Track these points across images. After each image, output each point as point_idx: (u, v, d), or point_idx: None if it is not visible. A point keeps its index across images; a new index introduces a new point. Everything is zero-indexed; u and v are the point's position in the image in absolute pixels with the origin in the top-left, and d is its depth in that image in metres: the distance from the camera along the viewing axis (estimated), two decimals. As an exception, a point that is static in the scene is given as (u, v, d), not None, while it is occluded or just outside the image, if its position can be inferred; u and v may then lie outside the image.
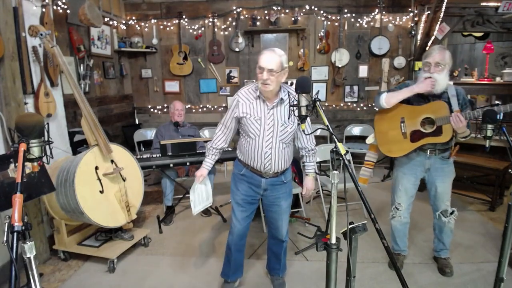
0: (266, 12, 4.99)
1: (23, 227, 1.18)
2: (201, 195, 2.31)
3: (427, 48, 4.50)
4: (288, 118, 1.97)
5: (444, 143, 2.27)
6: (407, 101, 2.35)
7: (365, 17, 4.97)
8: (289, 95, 1.98)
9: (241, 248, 2.30)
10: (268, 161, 2.01)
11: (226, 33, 5.13)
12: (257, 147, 1.99)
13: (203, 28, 5.12)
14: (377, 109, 2.47)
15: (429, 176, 2.42)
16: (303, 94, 1.53)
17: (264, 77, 1.84)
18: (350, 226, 1.46)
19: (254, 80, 5.21)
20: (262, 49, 5.12)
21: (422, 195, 3.13)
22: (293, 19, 4.95)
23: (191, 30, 5.11)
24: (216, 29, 5.06)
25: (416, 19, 4.86)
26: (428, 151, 2.33)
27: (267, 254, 2.45)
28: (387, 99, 2.32)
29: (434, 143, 2.27)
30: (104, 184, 2.64)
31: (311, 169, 2.22)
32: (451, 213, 2.43)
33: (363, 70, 5.17)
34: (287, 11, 5.00)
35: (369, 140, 2.57)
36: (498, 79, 4.31)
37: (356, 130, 5.16)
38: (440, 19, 4.38)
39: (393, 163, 2.94)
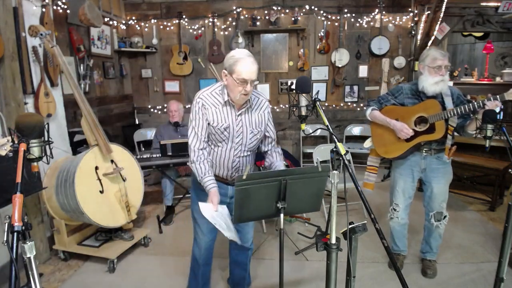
0: (266, 12, 4.98)
1: (23, 227, 1.18)
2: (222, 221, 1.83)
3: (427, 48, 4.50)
4: (257, 125, 1.85)
5: (440, 143, 2.27)
6: (400, 103, 2.37)
7: (365, 17, 4.97)
8: (257, 99, 1.88)
9: (209, 261, 2.15)
10: (235, 169, 1.89)
11: (226, 33, 5.12)
12: (224, 156, 1.86)
13: (203, 28, 5.12)
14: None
15: (425, 176, 2.42)
16: (303, 94, 1.54)
17: (248, 89, 1.68)
18: (350, 226, 1.47)
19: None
20: (262, 49, 5.17)
21: (422, 195, 3.12)
22: (293, 19, 4.95)
23: (191, 30, 5.11)
24: (216, 29, 5.05)
25: (416, 19, 4.85)
26: (424, 151, 2.34)
27: (230, 266, 2.29)
28: (372, 116, 2.44)
29: (429, 142, 2.27)
30: (104, 184, 2.64)
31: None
32: (444, 218, 2.41)
33: (363, 70, 5.17)
34: (287, 11, 4.99)
35: (367, 144, 2.58)
36: (498, 79, 4.31)
37: (356, 130, 5.16)
38: (440, 19, 4.37)
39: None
